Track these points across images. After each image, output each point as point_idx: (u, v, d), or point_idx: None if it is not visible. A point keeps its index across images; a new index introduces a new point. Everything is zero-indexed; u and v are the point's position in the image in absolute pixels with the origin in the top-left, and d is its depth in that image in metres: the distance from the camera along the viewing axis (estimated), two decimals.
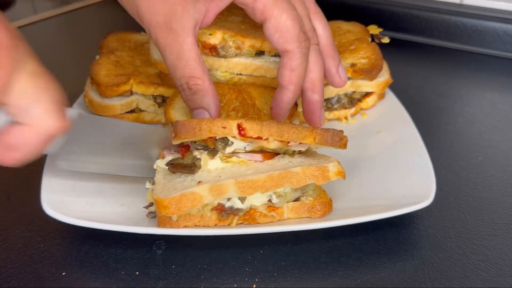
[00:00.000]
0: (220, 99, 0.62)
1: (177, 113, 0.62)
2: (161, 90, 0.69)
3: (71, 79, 0.90)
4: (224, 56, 0.65)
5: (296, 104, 0.65)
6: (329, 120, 0.73)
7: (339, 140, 0.51)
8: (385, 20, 1.06)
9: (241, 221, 0.51)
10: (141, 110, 0.72)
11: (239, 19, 0.68)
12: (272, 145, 0.51)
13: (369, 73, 0.70)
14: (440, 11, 1.02)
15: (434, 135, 0.72)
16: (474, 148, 0.69)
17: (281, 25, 0.52)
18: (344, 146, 0.52)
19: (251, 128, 0.49)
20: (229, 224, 0.51)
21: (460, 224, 0.55)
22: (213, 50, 0.64)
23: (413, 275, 0.48)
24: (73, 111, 0.50)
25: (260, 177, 0.48)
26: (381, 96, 0.76)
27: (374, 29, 0.79)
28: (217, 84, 0.66)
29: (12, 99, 0.40)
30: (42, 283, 0.48)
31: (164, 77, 0.69)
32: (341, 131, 0.52)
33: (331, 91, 0.71)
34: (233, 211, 0.50)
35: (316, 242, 0.52)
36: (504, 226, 0.55)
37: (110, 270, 0.49)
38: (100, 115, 0.66)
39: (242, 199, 0.50)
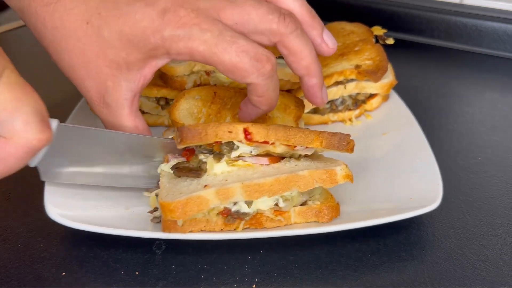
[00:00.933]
0: (226, 101, 0.62)
1: (182, 114, 0.62)
2: (164, 92, 0.69)
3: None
4: None
5: (302, 106, 0.65)
6: (334, 122, 0.73)
7: (346, 144, 0.51)
8: (385, 20, 1.05)
9: (248, 226, 0.51)
10: (144, 112, 0.71)
11: None
12: (279, 149, 0.51)
13: (374, 74, 0.70)
14: (440, 11, 1.02)
15: (434, 135, 0.71)
16: (473, 148, 0.69)
17: (229, 66, 0.49)
18: (351, 150, 0.52)
19: (258, 132, 0.49)
20: (235, 229, 0.50)
21: (460, 224, 0.55)
22: None
23: (413, 275, 0.48)
24: (55, 122, 0.48)
25: (267, 181, 0.48)
26: (386, 97, 0.75)
27: (378, 30, 0.79)
28: (223, 87, 0.65)
29: None
30: (42, 283, 0.48)
31: (167, 79, 0.68)
32: (348, 135, 0.51)
33: (335, 93, 0.71)
34: (239, 216, 0.50)
35: (316, 242, 0.52)
36: (503, 226, 0.55)
37: (110, 270, 0.49)
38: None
39: (249, 203, 0.50)
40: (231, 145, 0.50)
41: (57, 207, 0.51)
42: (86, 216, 0.51)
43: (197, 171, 0.50)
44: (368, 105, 0.74)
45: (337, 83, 0.71)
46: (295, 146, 0.51)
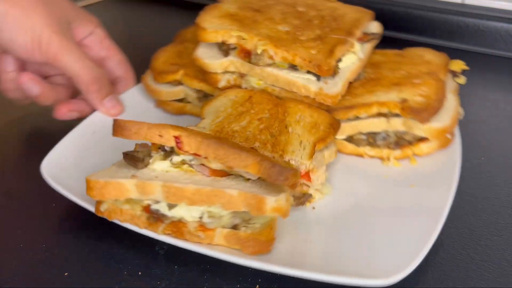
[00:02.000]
0: (253, 106, 0.62)
1: (209, 110, 0.63)
2: (202, 86, 0.71)
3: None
4: (256, 64, 0.63)
5: (335, 129, 0.60)
6: (371, 157, 0.65)
7: (284, 179, 0.46)
8: (386, 20, 1.05)
9: (169, 232, 0.49)
10: (188, 102, 0.74)
11: (288, 29, 0.66)
12: (214, 165, 0.49)
13: (419, 114, 0.60)
14: (442, 11, 1.02)
15: None
16: (476, 148, 0.69)
17: None
18: (293, 186, 0.48)
19: (188, 143, 0.48)
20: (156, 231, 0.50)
21: (463, 225, 0.55)
22: (247, 56, 0.63)
23: (415, 275, 0.48)
24: None
25: (188, 187, 0.47)
26: (444, 143, 0.63)
27: (457, 65, 0.70)
28: (263, 95, 0.64)
29: None
30: (44, 283, 0.48)
31: (205, 75, 0.69)
32: (292, 170, 0.47)
33: (376, 125, 0.63)
34: (159, 216, 0.49)
35: None
36: (507, 227, 0.55)
37: (113, 270, 0.49)
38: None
39: (171, 206, 0.49)
40: (165, 150, 0.51)
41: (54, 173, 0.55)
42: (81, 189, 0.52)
43: (137, 161, 0.50)
44: (417, 149, 0.63)
45: (380, 114, 0.63)
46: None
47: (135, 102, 0.75)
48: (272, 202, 0.46)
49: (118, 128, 0.50)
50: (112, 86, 0.72)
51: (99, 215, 0.50)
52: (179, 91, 0.73)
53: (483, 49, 0.99)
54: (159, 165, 0.50)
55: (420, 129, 0.61)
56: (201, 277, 0.48)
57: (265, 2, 0.73)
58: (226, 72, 0.67)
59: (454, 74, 0.70)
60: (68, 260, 0.51)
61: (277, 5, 0.72)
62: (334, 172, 0.62)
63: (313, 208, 0.56)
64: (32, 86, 0.67)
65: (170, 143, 0.49)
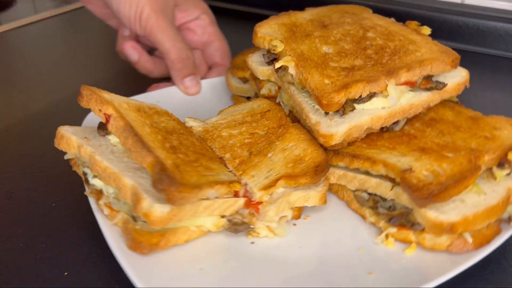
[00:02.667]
0: (260, 120, 0.62)
1: (226, 111, 0.66)
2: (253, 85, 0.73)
3: (71, 78, 0.90)
4: (281, 78, 0.61)
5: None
6: (371, 223, 0.55)
7: (159, 188, 0.45)
8: None
9: (92, 196, 0.53)
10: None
11: (331, 51, 0.62)
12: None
13: (413, 192, 0.49)
14: (441, 11, 1.02)
15: None
16: None
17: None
18: (170, 201, 0.45)
19: (113, 124, 0.52)
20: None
21: None
22: (278, 69, 0.61)
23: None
24: None
25: (101, 164, 0.51)
26: (457, 246, 0.50)
27: None
28: (276, 108, 0.64)
29: None
30: (44, 283, 0.48)
31: (256, 79, 0.69)
32: (174, 185, 0.45)
33: (383, 190, 0.54)
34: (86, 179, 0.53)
35: None
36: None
37: (113, 270, 0.49)
38: None
39: (95, 175, 0.52)
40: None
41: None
42: None
43: (100, 129, 0.54)
44: (420, 237, 0.51)
45: (388, 178, 0.54)
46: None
47: (216, 90, 0.80)
48: (147, 205, 0.46)
49: (80, 94, 0.55)
50: (196, 69, 0.78)
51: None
52: (247, 89, 0.75)
53: (483, 49, 1.00)
54: (113, 138, 0.54)
55: (418, 213, 0.50)
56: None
57: (342, 20, 0.69)
58: (269, 81, 0.67)
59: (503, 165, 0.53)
60: (68, 260, 0.51)
61: (351, 25, 0.67)
62: (312, 220, 0.56)
63: (252, 242, 0.52)
64: (131, 53, 0.79)
65: (103, 119, 0.53)
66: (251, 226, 0.52)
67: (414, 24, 0.68)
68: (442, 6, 1.03)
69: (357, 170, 0.56)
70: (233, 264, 0.49)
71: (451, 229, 0.48)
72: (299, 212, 0.55)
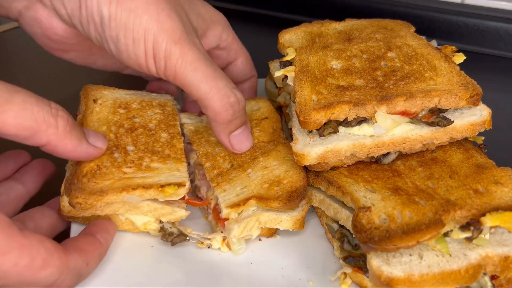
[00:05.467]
0: (254, 129, 0.61)
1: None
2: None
3: (71, 78, 0.90)
4: (284, 87, 0.62)
5: None
6: (337, 257, 0.52)
7: (66, 192, 0.50)
8: None
9: None
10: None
11: (338, 67, 0.59)
12: None
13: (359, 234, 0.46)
14: (441, 11, 1.02)
15: None
16: None
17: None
18: (72, 204, 0.48)
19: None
20: None
21: None
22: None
23: None
24: None
25: None
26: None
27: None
28: (274, 117, 0.63)
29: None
30: None
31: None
32: (75, 191, 0.48)
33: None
34: None
35: None
36: None
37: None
38: None
39: None
40: None
41: None
42: None
43: None
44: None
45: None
46: None
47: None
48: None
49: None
50: (247, 115, 0.58)
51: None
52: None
53: (483, 49, 0.99)
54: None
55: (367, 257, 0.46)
56: None
57: (371, 35, 0.64)
58: (284, 90, 0.65)
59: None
60: None
61: (377, 41, 0.62)
62: (281, 240, 0.54)
63: (208, 247, 0.52)
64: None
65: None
66: (187, 239, 0.51)
67: (449, 49, 0.61)
68: (442, 6, 1.03)
69: (333, 198, 0.53)
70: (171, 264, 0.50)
71: (388, 283, 0.43)
72: (270, 231, 0.53)
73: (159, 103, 0.61)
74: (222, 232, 0.52)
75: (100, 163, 0.50)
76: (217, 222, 0.52)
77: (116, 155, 0.52)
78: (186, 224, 0.54)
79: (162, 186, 0.48)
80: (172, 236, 0.50)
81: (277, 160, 0.56)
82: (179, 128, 0.59)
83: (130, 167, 0.51)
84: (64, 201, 0.49)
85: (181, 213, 0.51)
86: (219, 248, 0.52)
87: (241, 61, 0.66)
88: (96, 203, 0.47)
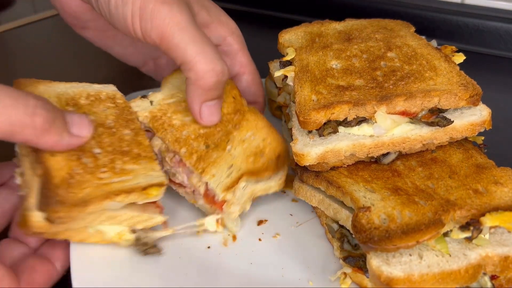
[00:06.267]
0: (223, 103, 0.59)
1: (173, 84, 0.61)
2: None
3: (71, 78, 0.90)
4: (284, 87, 0.61)
5: None
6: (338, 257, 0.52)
7: None
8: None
9: None
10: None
11: (338, 67, 0.59)
12: None
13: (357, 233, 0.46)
14: (441, 11, 1.02)
15: None
16: None
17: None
18: None
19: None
20: None
21: None
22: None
23: None
24: None
25: None
26: None
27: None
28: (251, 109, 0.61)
29: None
30: None
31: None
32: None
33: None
34: None
35: None
36: None
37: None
38: None
39: None
40: None
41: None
42: None
43: None
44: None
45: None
46: None
47: None
48: (29, 207, 0.45)
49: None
50: (223, 89, 0.56)
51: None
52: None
53: (483, 49, 0.99)
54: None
55: (367, 257, 0.46)
56: None
57: (371, 35, 0.64)
58: (284, 91, 0.65)
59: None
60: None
61: (377, 41, 0.62)
62: (281, 239, 0.54)
63: (208, 247, 0.52)
64: None
65: None
66: (161, 252, 0.50)
67: (449, 49, 0.61)
68: (442, 6, 1.03)
69: (333, 198, 0.53)
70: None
71: (388, 283, 0.43)
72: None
73: (108, 96, 0.57)
74: (218, 214, 0.52)
75: (70, 171, 0.46)
76: (213, 205, 0.51)
77: (84, 160, 0.48)
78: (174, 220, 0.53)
79: (144, 188, 0.46)
80: (146, 246, 0.49)
81: (251, 130, 0.56)
82: (139, 122, 0.55)
83: (105, 171, 0.47)
84: (35, 216, 0.44)
85: (158, 219, 0.49)
86: (215, 231, 0.52)
87: (246, 78, 0.63)
88: (78, 215, 0.44)
